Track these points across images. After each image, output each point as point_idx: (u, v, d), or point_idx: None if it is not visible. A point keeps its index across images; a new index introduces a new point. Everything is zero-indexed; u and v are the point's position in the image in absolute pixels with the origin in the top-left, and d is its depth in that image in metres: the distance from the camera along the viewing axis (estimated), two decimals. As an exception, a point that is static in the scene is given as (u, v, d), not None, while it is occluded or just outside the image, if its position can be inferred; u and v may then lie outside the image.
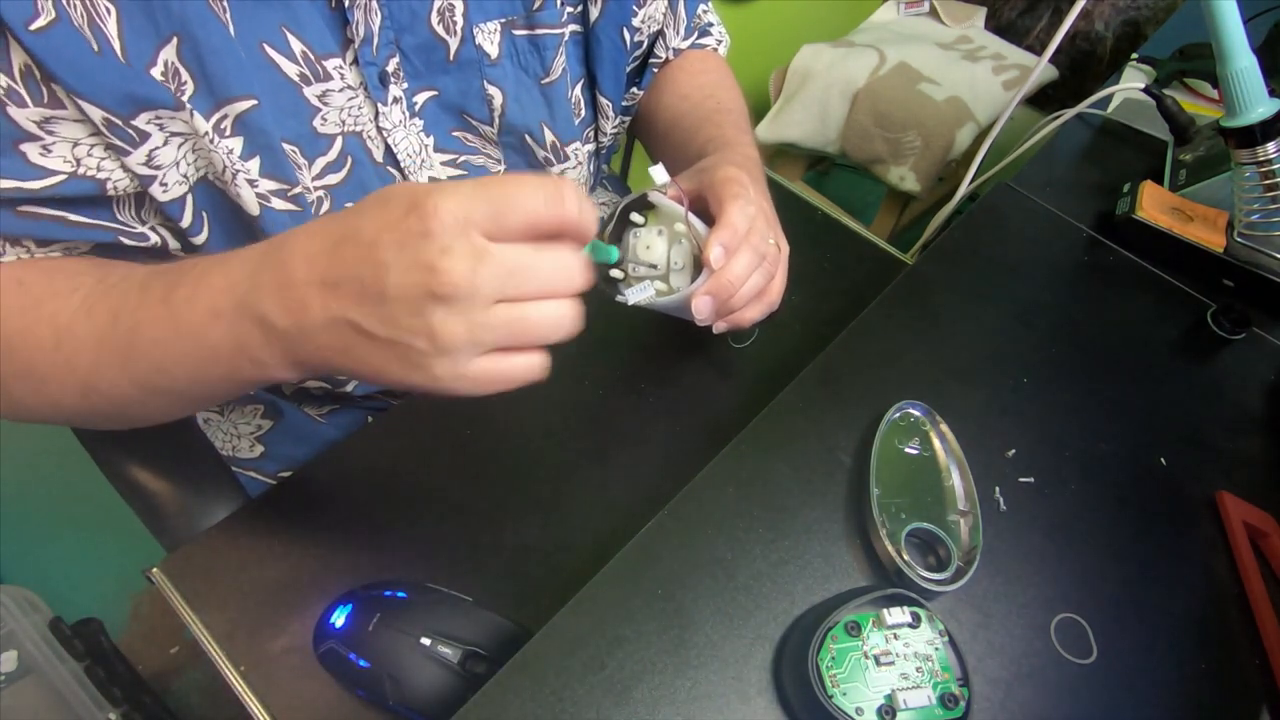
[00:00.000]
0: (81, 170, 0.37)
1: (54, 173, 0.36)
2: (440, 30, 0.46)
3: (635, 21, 0.55)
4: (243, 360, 0.33)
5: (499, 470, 0.49)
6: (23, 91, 0.34)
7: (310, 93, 0.42)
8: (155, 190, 0.39)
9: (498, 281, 0.28)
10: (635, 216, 0.44)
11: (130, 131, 0.36)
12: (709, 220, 0.44)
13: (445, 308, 0.28)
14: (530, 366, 0.31)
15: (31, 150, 0.35)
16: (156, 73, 0.36)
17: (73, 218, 0.38)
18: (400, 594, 0.41)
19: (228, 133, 0.39)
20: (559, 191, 0.29)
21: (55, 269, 0.38)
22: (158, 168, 0.38)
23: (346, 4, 0.40)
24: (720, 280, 0.42)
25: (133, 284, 0.36)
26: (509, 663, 0.37)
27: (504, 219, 0.28)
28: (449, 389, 0.30)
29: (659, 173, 0.41)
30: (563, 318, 0.30)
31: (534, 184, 0.29)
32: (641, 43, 0.59)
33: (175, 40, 0.36)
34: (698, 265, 0.44)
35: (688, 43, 0.64)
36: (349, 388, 0.55)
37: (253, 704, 0.39)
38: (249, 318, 0.31)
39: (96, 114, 0.35)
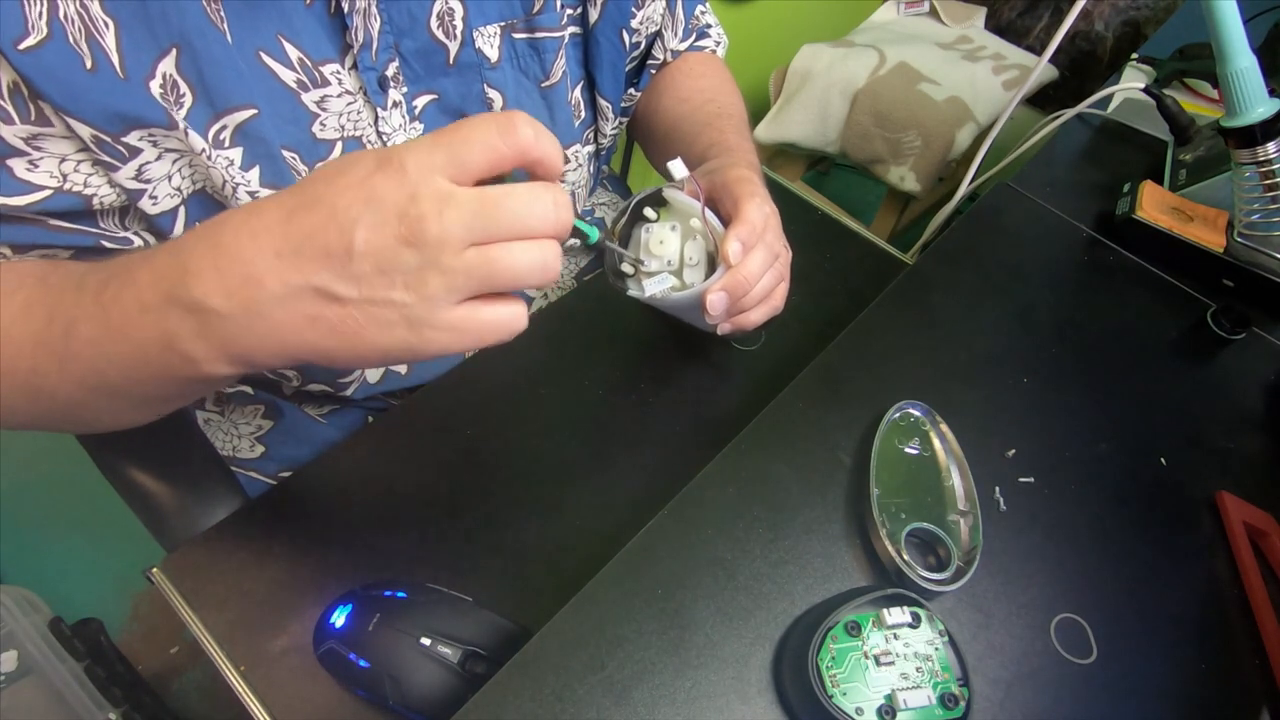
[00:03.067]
0: (68, 186, 0.36)
1: (40, 188, 0.36)
2: (440, 34, 0.46)
3: (634, 23, 0.55)
4: (172, 357, 0.31)
5: (499, 470, 0.49)
6: (10, 109, 0.33)
7: (308, 99, 0.42)
8: (144, 204, 0.39)
9: (465, 223, 0.27)
10: (648, 211, 0.44)
11: (120, 148, 0.36)
12: (720, 219, 0.44)
13: (418, 254, 0.27)
14: (510, 316, 0.30)
15: (18, 166, 0.35)
16: (155, 85, 0.36)
17: (53, 222, 0.38)
18: (400, 594, 0.41)
19: (227, 144, 0.39)
20: (510, 121, 0.28)
21: (4, 271, 0.37)
22: (147, 181, 0.38)
23: (345, 9, 0.40)
24: (736, 276, 0.42)
25: (71, 282, 0.34)
26: (509, 663, 0.37)
27: (463, 158, 0.28)
28: (428, 344, 0.29)
29: (678, 167, 0.41)
30: (538, 258, 0.29)
31: (485, 118, 0.28)
32: (639, 44, 0.59)
33: (175, 52, 0.36)
34: (711, 263, 0.44)
35: (686, 44, 0.64)
36: (349, 391, 0.55)
37: (253, 704, 0.39)
38: (180, 307, 0.29)
39: (85, 131, 0.35)
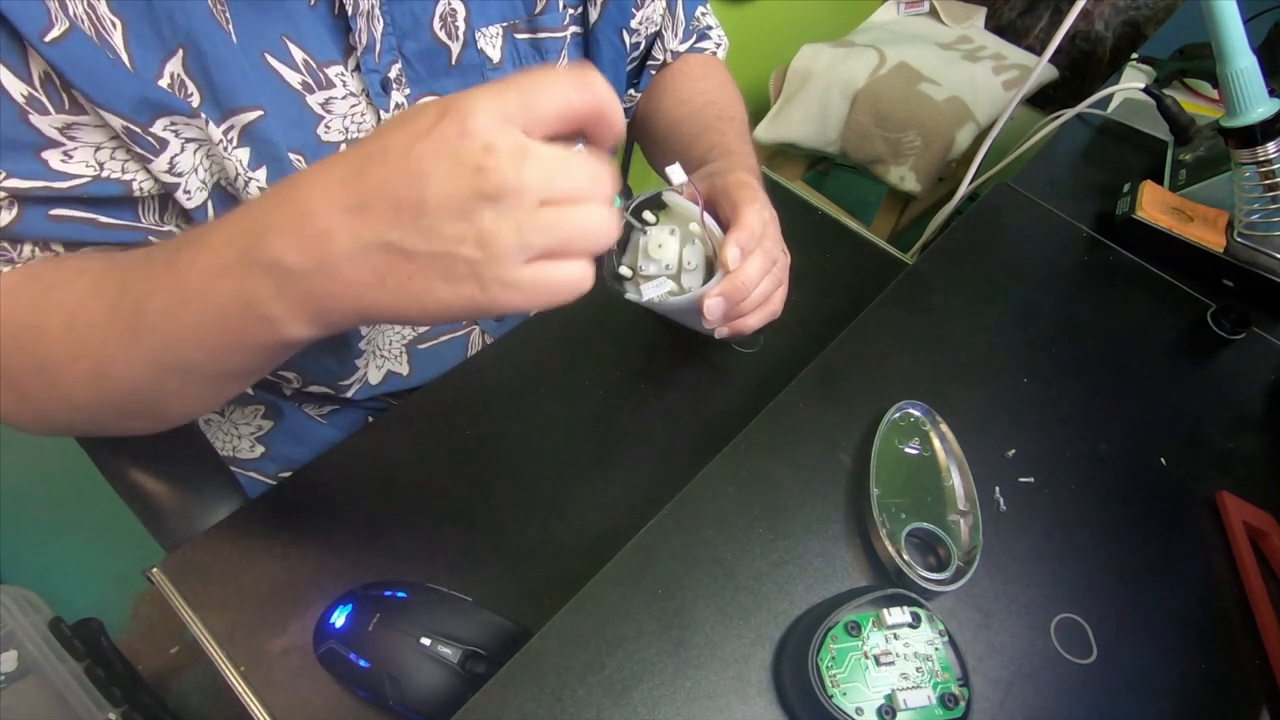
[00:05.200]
0: (105, 173, 0.36)
1: (77, 177, 0.36)
2: (442, 35, 0.46)
3: (633, 24, 0.55)
4: (251, 320, 0.30)
5: (499, 470, 0.49)
6: (44, 99, 0.33)
7: (313, 101, 0.42)
8: (180, 198, 0.39)
9: (543, 179, 0.26)
10: (647, 215, 0.44)
11: (150, 139, 0.36)
12: (719, 223, 0.44)
13: (494, 208, 0.26)
14: (579, 275, 0.29)
15: (53, 158, 0.35)
16: (163, 84, 0.36)
17: (103, 219, 0.38)
18: (400, 594, 0.41)
19: (234, 144, 0.39)
20: (586, 75, 0.28)
21: (65, 257, 0.37)
22: (180, 175, 0.38)
23: (349, 11, 0.40)
24: (734, 282, 0.42)
25: (138, 256, 0.35)
26: (509, 663, 0.37)
27: (537, 108, 0.27)
28: (498, 301, 0.28)
29: (676, 172, 0.40)
30: (603, 221, 0.29)
31: (562, 72, 0.28)
32: (639, 44, 0.59)
33: (181, 52, 0.36)
34: (710, 267, 0.44)
35: (686, 45, 0.64)
36: (350, 392, 0.55)
37: (253, 704, 0.39)
38: (258, 266, 0.29)
39: (117, 123, 0.35)
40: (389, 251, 0.27)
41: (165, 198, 0.40)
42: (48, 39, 0.32)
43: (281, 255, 0.28)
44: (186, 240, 0.32)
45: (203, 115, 0.37)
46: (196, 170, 0.39)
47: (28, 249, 0.37)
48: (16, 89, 0.33)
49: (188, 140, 0.38)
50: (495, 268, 0.27)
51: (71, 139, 0.35)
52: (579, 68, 0.28)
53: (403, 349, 0.56)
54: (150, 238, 0.40)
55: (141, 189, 0.38)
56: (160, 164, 0.37)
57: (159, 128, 0.36)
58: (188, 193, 0.39)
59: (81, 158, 0.36)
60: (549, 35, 0.50)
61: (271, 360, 0.36)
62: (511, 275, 0.28)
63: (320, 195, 0.28)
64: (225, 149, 0.39)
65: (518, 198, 0.26)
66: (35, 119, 0.34)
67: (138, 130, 0.35)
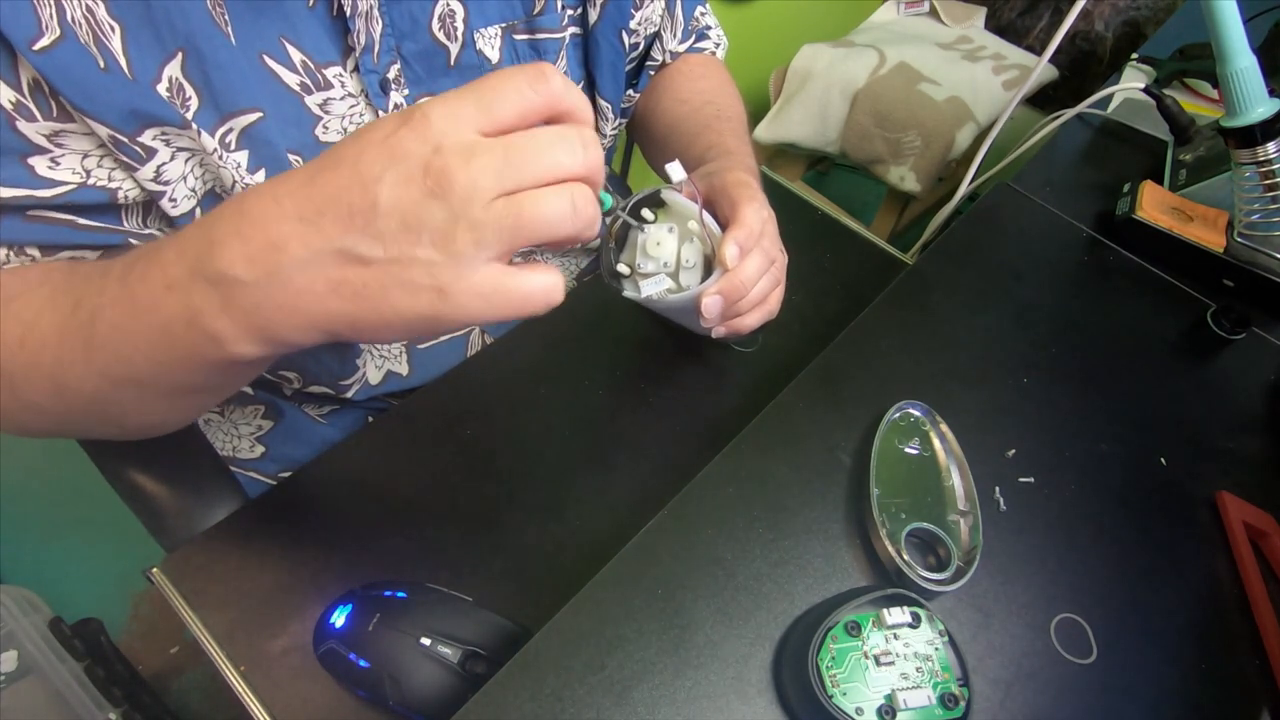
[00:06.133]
0: (91, 181, 0.36)
1: (63, 183, 0.36)
2: (441, 36, 0.46)
3: (632, 24, 0.55)
4: (197, 336, 0.29)
5: (499, 470, 0.49)
6: (31, 106, 0.33)
7: (312, 102, 0.42)
8: (165, 205, 0.39)
9: (494, 171, 0.26)
10: (646, 212, 0.44)
11: (137, 149, 0.36)
12: (717, 222, 0.44)
13: (445, 207, 0.26)
14: (544, 286, 0.28)
15: (39, 164, 0.35)
16: (161, 89, 0.36)
17: (82, 221, 0.38)
18: (400, 594, 0.41)
19: (233, 146, 0.39)
20: (539, 70, 0.28)
21: (31, 266, 0.37)
22: (166, 183, 0.38)
23: (348, 12, 0.40)
24: (732, 280, 0.42)
25: (96, 269, 0.34)
26: (509, 663, 0.37)
27: (491, 106, 0.27)
28: (458, 309, 0.27)
29: (675, 169, 0.41)
30: (566, 203, 0.27)
31: (514, 69, 0.28)
32: (638, 45, 0.59)
33: (180, 55, 0.36)
34: (708, 266, 0.44)
35: (685, 45, 0.64)
36: (350, 393, 0.55)
37: (253, 704, 0.39)
38: (204, 280, 0.28)
39: (103, 131, 0.35)
40: (344, 259, 0.27)
41: (150, 203, 0.40)
42: (36, 47, 0.31)
43: (229, 267, 0.27)
44: (141, 254, 0.32)
45: (194, 126, 0.37)
46: (185, 178, 0.39)
47: (1, 253, 0.37)
48: (4, 96, 0.33)
49: (179, 149, 0.38)
50: (453, 271, 0.27)
51: (59, 146, 0.35)
52: (534, 64, 0.28)
53: (403, 349, 0.56)
54: (131, 240, 0.40)
55: (127, 196, 0.38)
56: (146, 172, 0.37)
57: (147, 137, 0.36)
58: (173, 200, 0.39)
59: (68, 165, 0.35)
60: (547, 36, 0.51)
61: (227, 376, 0.34)
62: (471, 280, 0.27)
63: (272, 206, 0.27)
64: (220, 156, 0.39)
65: (469, 195, 0.26)
66: (22, 126, 0.33)
67: (124, 140, 0.35)
